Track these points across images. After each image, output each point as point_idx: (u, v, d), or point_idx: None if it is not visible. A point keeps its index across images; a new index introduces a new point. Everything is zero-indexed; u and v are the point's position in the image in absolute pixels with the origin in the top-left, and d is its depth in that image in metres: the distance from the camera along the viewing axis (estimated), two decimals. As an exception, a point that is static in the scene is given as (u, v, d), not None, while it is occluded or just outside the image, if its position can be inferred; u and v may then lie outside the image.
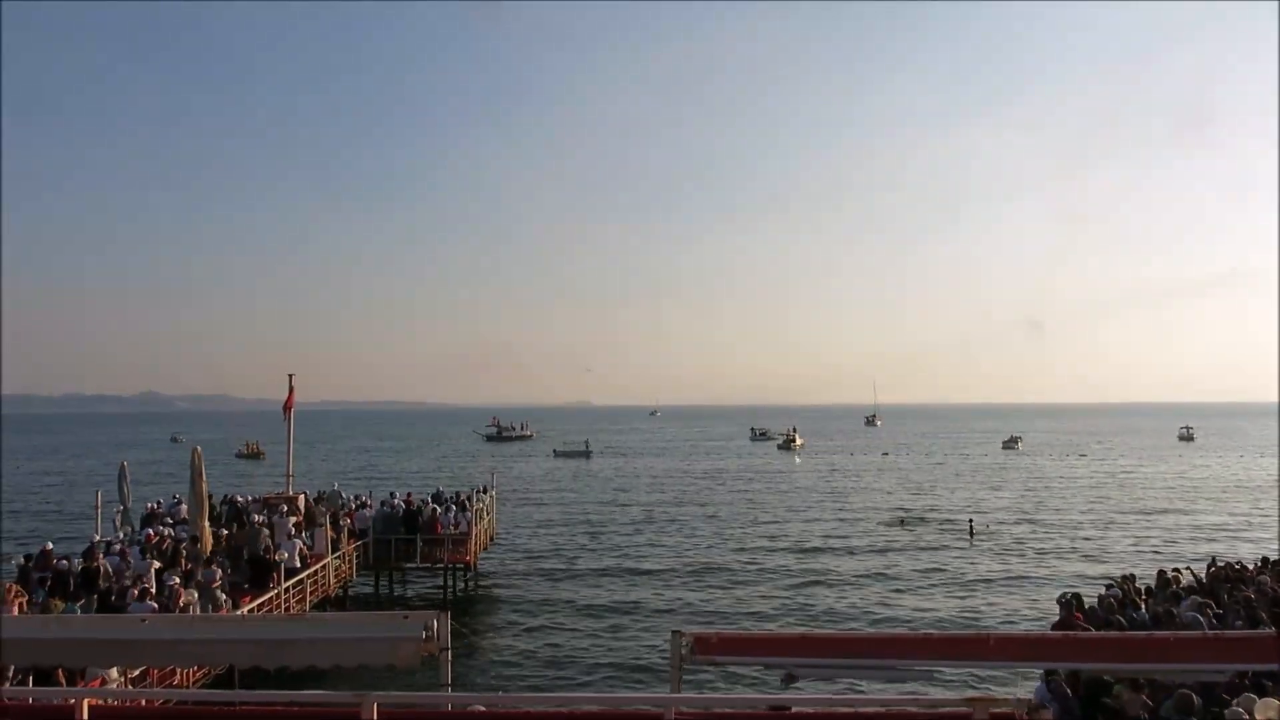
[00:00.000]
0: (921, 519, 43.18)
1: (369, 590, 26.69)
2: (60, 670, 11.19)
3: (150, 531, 22.04)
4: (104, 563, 17.82)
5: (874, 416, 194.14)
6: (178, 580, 16.80)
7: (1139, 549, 34.92)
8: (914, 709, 6.45)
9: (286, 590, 19.43)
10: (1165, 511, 46.36)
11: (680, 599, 26.70)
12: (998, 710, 5.41)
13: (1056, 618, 14.00)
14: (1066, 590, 15.37)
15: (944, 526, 40.48)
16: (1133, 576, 16.40)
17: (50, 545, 19.45)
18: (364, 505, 27.94)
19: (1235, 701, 8.20)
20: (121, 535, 22.38)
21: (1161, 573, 16.35)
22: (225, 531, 22.15)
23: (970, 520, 40.51)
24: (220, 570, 17.95)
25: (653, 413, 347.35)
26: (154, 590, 16.23)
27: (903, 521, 41.73)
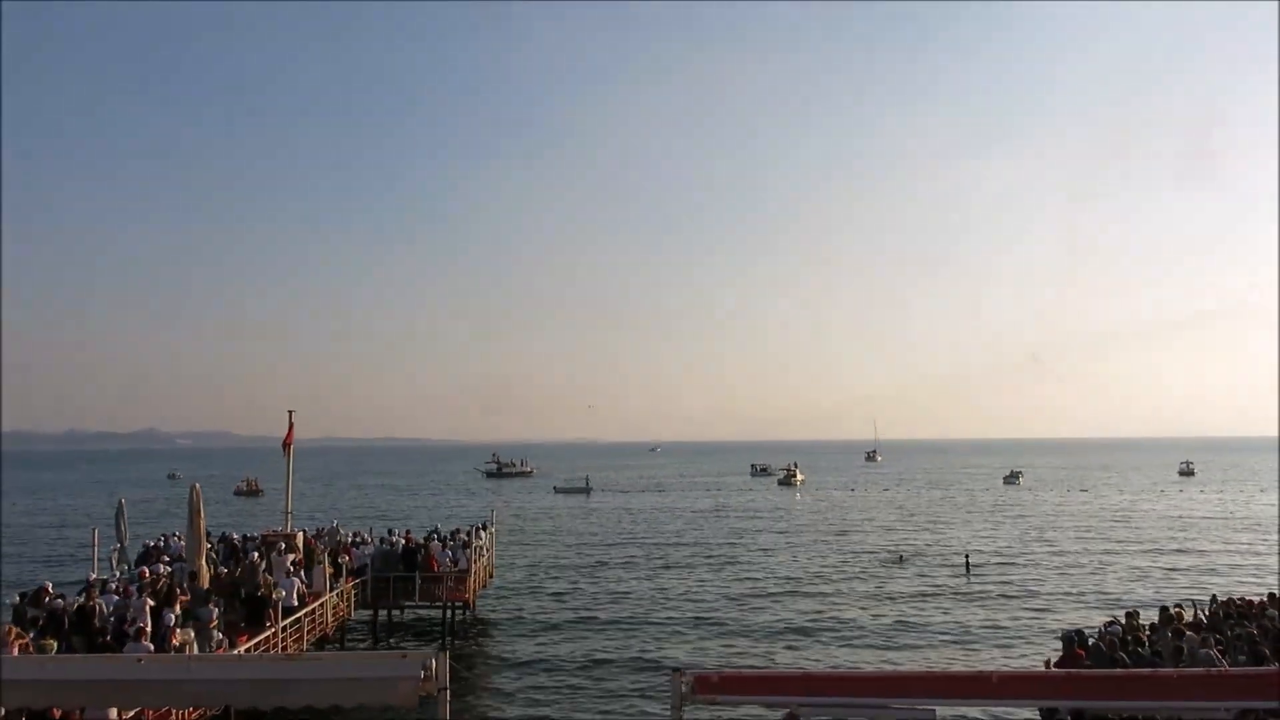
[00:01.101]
0: (921, 555, 42.90)
1: (367, 628, 26.42)
2: (56, 711, 11.06)
3: (144, 569, 21.87)
4: (100, 602, 17.66)
5: (875, 452, 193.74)
6: (174, 619, 16.65)
7: (1141, 585, 34.64)
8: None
9: (284, 629, 19.24)
10: (1167, 547, 46.05)
11: (680, 636, 26.43)
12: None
13: (1058, 655, 13.87)
14: (1068, 627, 15.24)
15: (944, 562, 40.19)
16: (1135, 613, 16.26)
17: (48, 584, 19.31)
18: (362, 542, 27.76)
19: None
20: (118, 573, 22.21)
21: (1164, 609, 16.23)
22: (223, 570, 21.98)
23: (966, 556, 40.27)
24: (217, 609, 17.79)
25: (654, 449, 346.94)
26: (150, 630, 16.07)
27: (901, 558, 41.47)
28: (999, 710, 14.45)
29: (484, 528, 30.84)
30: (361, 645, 25.53)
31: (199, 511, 19.82)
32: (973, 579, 36.03)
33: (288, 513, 27.75)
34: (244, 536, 27.34)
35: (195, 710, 13.94)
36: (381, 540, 27.62)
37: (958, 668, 21.94)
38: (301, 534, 26.51)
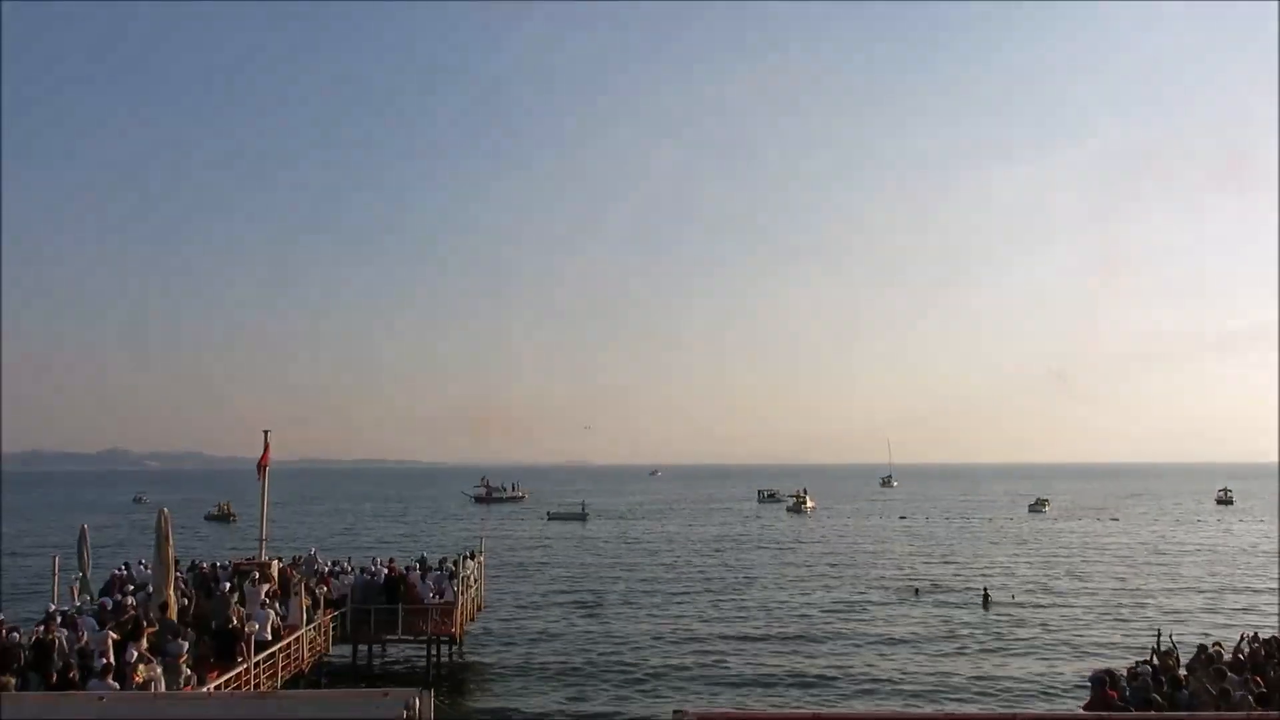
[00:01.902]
0: (938, 587, 42.76)
1: (346, 664, 26.27)
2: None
3: (106, 601, 21.76)
4: (59, 636, 17.56)
5: (890, 477, 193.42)
6: (138, 654, 16.55)
7: (1175, 621, 34.44)
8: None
9: (256, 665, 19.12)
10: (1203, 581, 45.89)
11: (681, 673, 26.28)
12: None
13: (1087, 697, 13.78)
14: (1098, 667, 15.16)
15: (962, 599, 40.05)
16: (1170, 650, 16.18)
17: (0, 617, 19.20)
18: (341, 572, 27.65)
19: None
20: (79, 605, 22.11)
21: (1202, 647, 16.15)
22: (189, 600, 21.87)
23: (985, 589, 40.21)
24: (186, 643, 17.69)
25: (654, 473, 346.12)
26: (113, 665, 15.97)
27: (917, 591, 41.34)
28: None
29: (472, 557, 30.70)
30: (340, 682, 25.36)
31: (167, 538, 19.75)
32: (992, 614, 35.88)
33: (262, 540, 27.66)
34: (215, 565, 27.24)
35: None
36: (362, 570, 27.52)
37: (979, 710, 21.81)
38: (276, 562, 26.41)
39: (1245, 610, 37.19)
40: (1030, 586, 43.58)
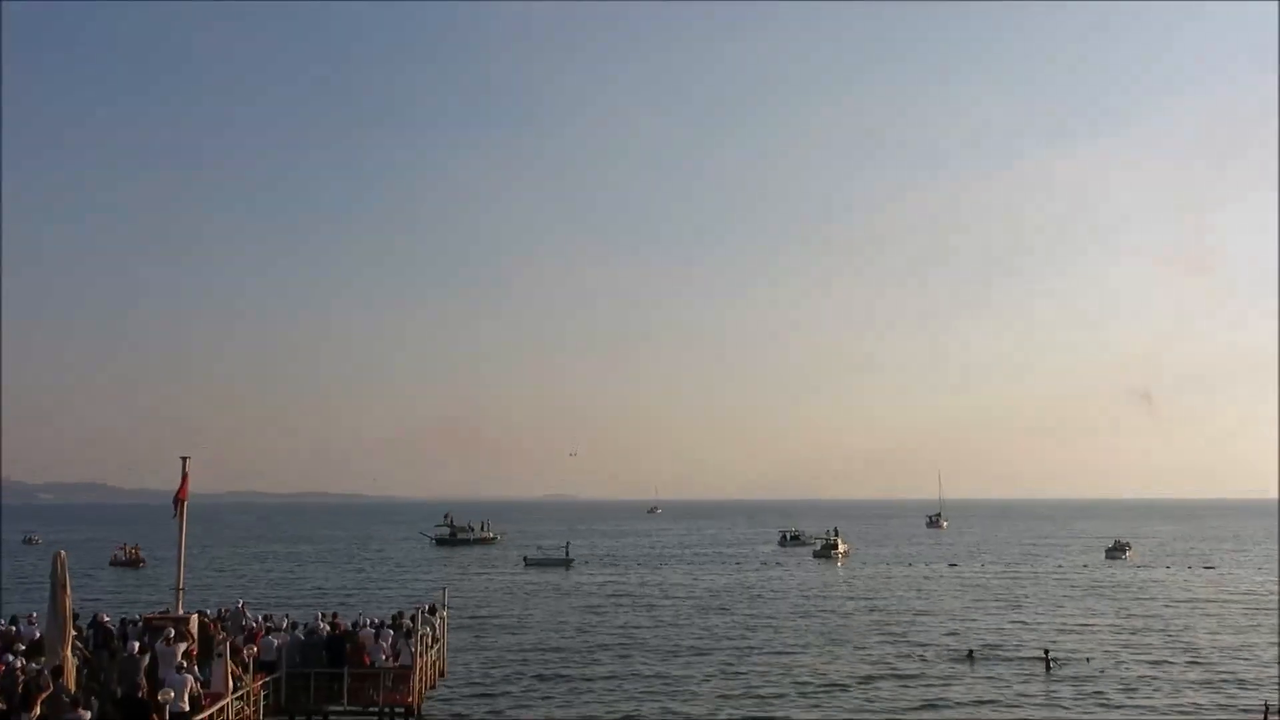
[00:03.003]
0: (995, 650, 42.80)
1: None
2: None
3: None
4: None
5: (938, 516, 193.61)
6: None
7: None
8: None
9: (171, 741, 19.09)
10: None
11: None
12: None
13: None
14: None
15: (1026, 660, 40.09)
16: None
17: None
18: (275, 628, 27.63)
19: None
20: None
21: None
22: (91, 662, 21.84)
23: (1046, 651, 40.32)
24: (87, 713, 17.68)
25: (653, 510, 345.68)
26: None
27: (971, 654, 41.35)
28: None
29: (433, 611, 30.68)
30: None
31: (64, 586, 19.74)
32: (1054, 681, 35.92)
33: (179, 589, 27.63)
34: (122, 620, 27.22)
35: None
36: (299, 626, 27.47)
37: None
38: (196, 617, 26.38)
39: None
40: (1108, 648, 43.57)
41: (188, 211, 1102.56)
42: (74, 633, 22.33)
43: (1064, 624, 51.63)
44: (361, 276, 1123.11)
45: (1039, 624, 51.55)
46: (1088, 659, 40.41)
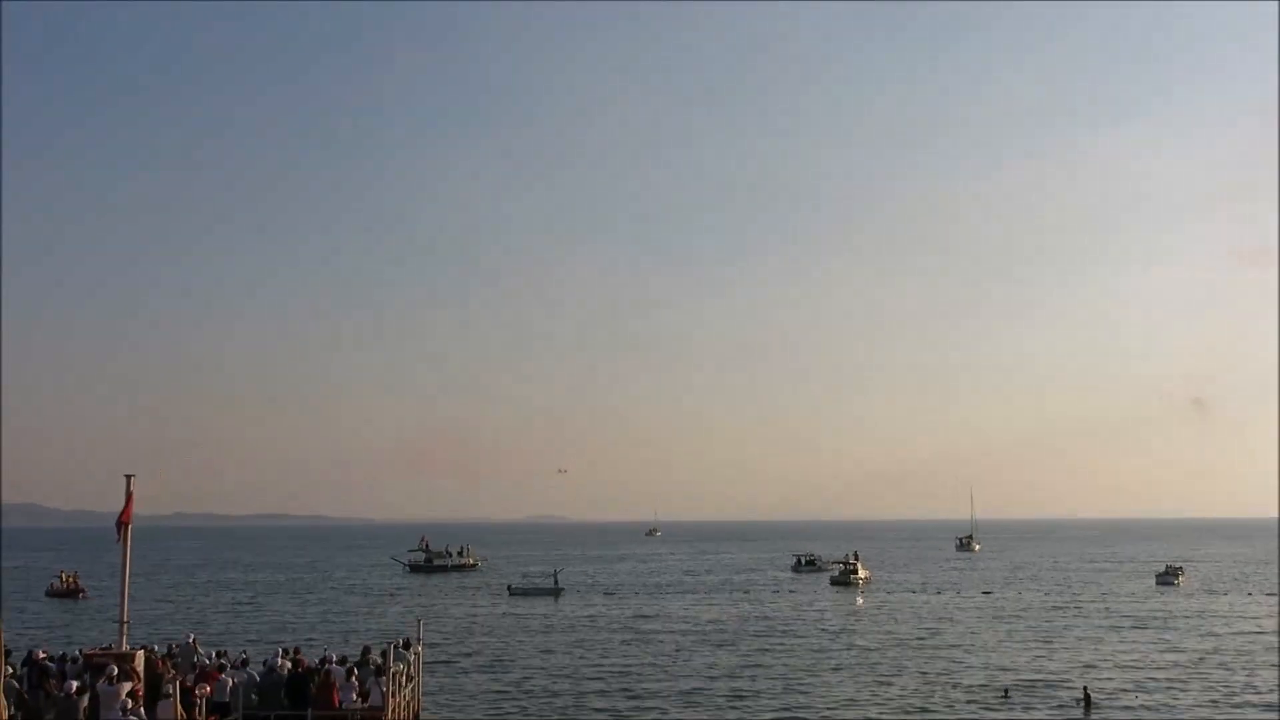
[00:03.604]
0: (1033, 686, 42.91)
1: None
2: None
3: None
4: None
5: (969, 538, 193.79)
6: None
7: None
8: None
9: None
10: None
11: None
12: None
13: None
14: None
15: (1064, 698, 40.20)
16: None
17: None
18: (231, 665, 27.66)
19: None
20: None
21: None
22: (25, 704, 21.84)
23: (1085, 689, 40.40)
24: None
25: (651, 531, 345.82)
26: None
27: (1007, 692, 41.41)
28: None
29: (406, 646, 30.71)
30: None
31: (-4, 621, 19.72)
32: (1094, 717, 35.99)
33: (123, 622, 27.68)
34: (60, 656, 27.21)
35: None
36: (251, 664, 27.47)
37: None
38: (143, 653, 26.41)
39: None
40: (1157, 685, 43.64)
41: (134, 215, 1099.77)
42: (7, 672, 22.32)
43: (1109, 659, 51.66)
44: (321, 280, 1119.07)
45: (1081, 659, 51.58)
46: (1135, 696, 40.50)
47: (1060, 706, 38.89)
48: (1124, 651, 54.58)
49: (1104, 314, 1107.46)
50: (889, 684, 44.22)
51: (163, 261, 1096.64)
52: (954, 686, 43.51)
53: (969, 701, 40.30)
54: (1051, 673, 46.92)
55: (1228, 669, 48.26)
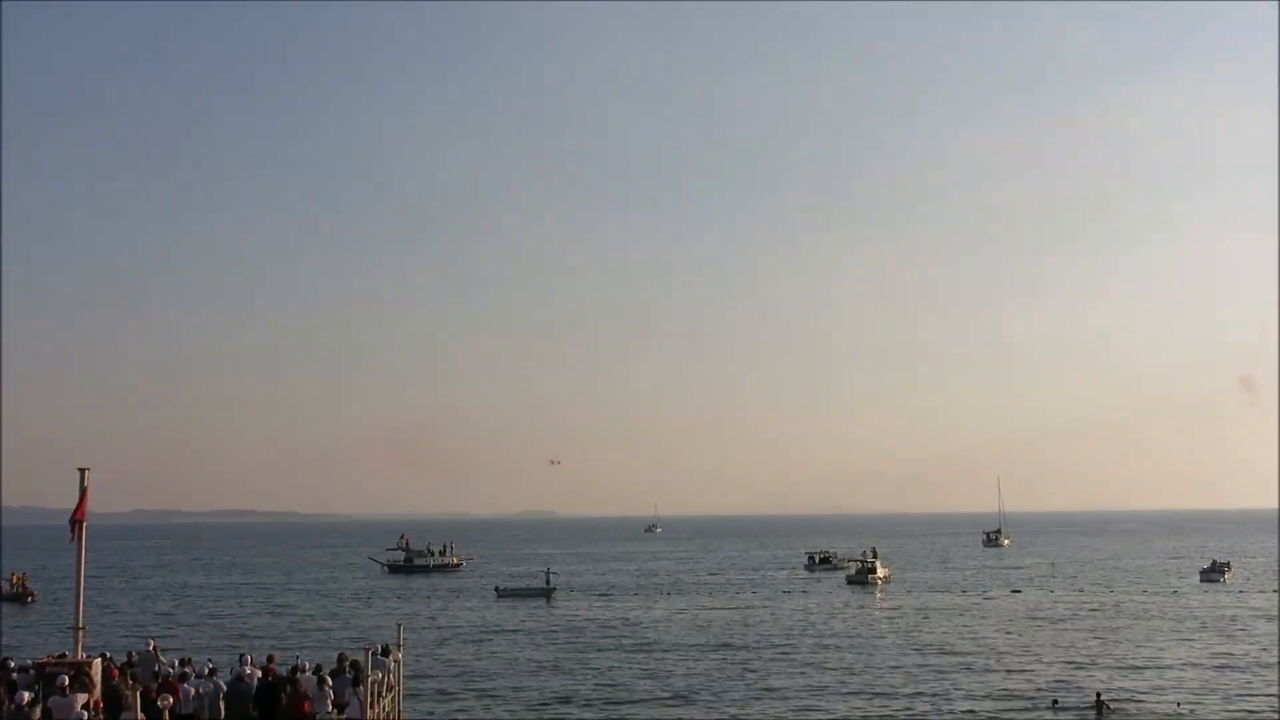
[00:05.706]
0: (1064, 691, 43.10)
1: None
2: None
3: None
4: None
5: (997, 533, 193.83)
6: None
7: None
8: None
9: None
10: None
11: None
12: None
13: None
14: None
15: (1101, 709, 40.39)
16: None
17: None
18: (195, 674, 27.66)
19: None
20: None
21: None
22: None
23: (1098, 695, 40.70)
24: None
25: (650, 528, 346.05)
26: None
27: (1056, 702, 41.47)
28: None
29: (385, 652, 30.70)
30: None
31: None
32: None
33: (78, 628, 27.64)
34: (8, 664, 27.21)
35: None
36: (217, 672, 27.48)
37: None
38: (100, 662, 26.40)
39: None
40: (1197, 691, 43.76)
41: (91, 204, 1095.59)
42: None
43: (1149, 662, 51.80)
44: (289, 258, 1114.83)
45: (1123, 664, 51.68)
46: (1176, 704, 40.62)
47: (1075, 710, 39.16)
48: (1167, 654, 54.64)
49: (1146, 289, 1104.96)
50: (908, 691, 44.39)
51: (122, 251, 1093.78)
52: (986, 693, 43.64)
53: (998, 712, 40.35)
54: (1090, 679, 46.91)
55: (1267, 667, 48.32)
